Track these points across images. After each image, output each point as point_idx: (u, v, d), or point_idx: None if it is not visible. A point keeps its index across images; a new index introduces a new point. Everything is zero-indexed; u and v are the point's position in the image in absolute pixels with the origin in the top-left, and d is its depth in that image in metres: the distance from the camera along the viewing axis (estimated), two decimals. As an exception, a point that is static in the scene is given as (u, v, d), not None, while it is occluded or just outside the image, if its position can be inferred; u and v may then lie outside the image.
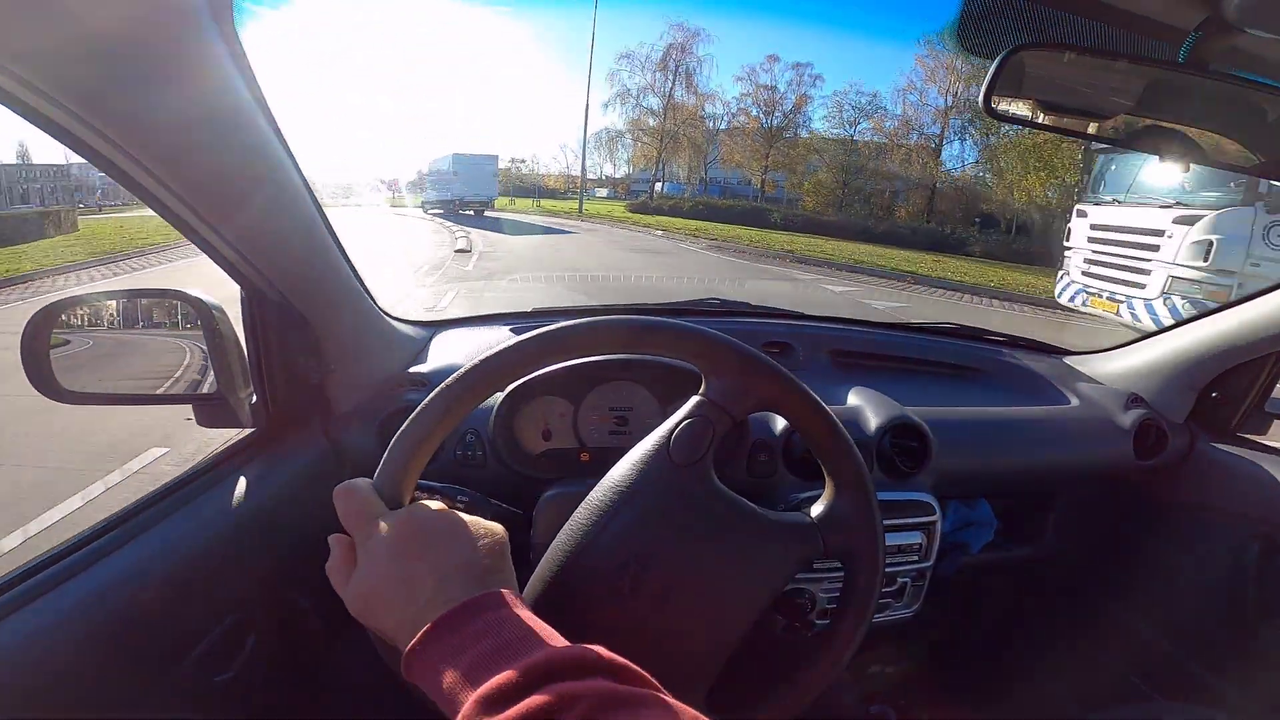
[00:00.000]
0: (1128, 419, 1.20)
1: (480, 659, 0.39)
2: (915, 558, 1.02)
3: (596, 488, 0.63)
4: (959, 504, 1.22)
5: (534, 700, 0.35)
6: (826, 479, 0.66)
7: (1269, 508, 1.12)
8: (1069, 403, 1.24)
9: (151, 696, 0.62)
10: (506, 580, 0.48)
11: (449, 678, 0.40)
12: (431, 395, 0.56)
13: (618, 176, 33.07)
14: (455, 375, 0.57)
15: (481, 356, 0.57)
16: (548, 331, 0.59)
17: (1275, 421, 1.23)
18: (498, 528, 0.50)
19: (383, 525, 0.48)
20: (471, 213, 21.93)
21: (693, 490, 0.61)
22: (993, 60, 0.58)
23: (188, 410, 0.85)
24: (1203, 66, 0.53)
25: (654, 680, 0.40)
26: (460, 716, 0.37)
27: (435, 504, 0.51)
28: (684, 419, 0.63)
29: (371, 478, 0.53)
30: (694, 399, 0.64)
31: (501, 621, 0.42)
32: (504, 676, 0.37)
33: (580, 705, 0.35)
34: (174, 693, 0.65)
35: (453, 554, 0.47)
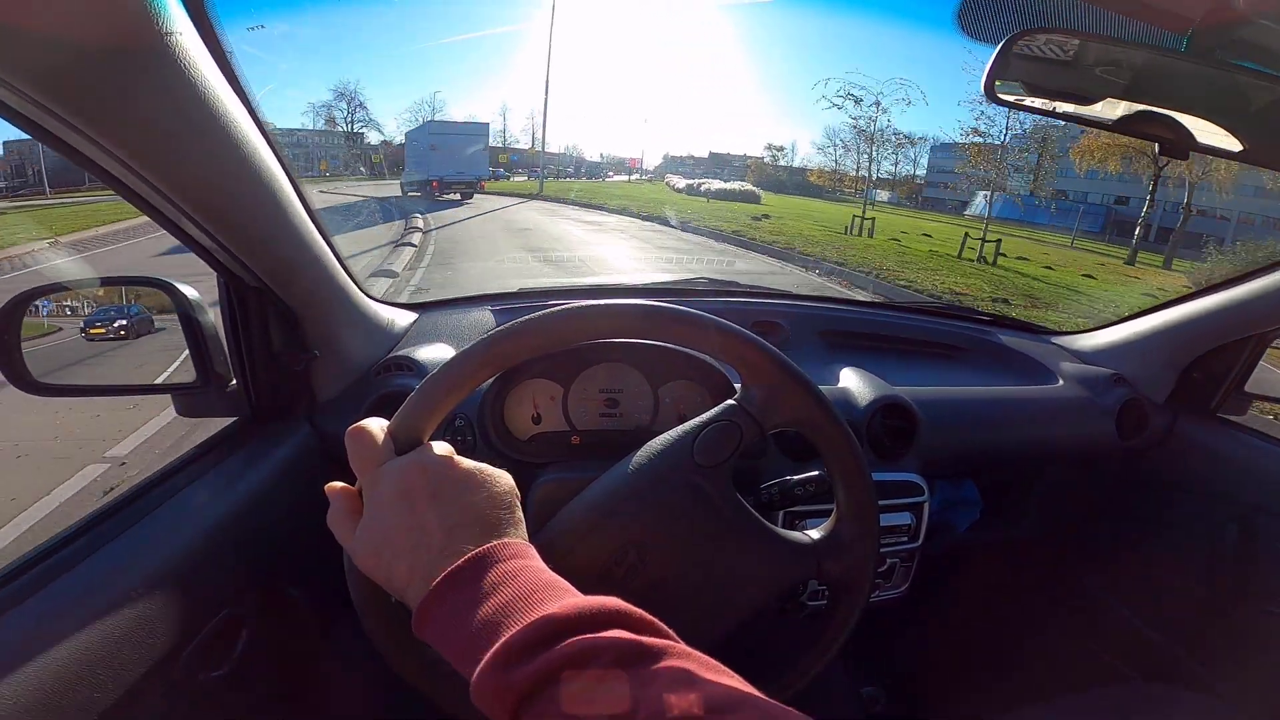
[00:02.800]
0: (1111, 399, 1.21)
1: (497, 611, 0.39)
2: (905, 538, 1.03)
3: (610, 472, 0.63)
4: (945, 484, 1.24)
5: (555, 654, 0.35)
6: (836, 506, 0.67)
7: (1245, 488, 1.15)
8: (1054, 382, 1.26)
9: (146, 697, 0.61)
10: (518, 531, 0.47)
11: (465, 631, 0.39)
12: (476, 342, 0.55)
13: (897, 174, 24.32)
14: (505, 328, 0.56)
15: (529, 318, 0.56)
16: (598, 306, 0.58)
17: (1254, 403, 1.25)
18: (506, 477, 0.49)
19: (390, 471, 0.46)
20: (458, 196, 17.79)
21: (708, 492, 0.62)
22: (994, 45, 0.57)
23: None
24: (1206, 54, 0.53)
25: (670, 630, 0.40)
26: (479, 671, 0.36)
27: (443, 449, 0.48)
28: (713, 420, 0.63)
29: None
30: (727, 402, 0.64)
31: (516, 572, 0.41)
32: (523, 630, 0.36)
33: (602, 657, 0.35)
34: (169, 693, 0.65)
35: (462, 503, 0.45)
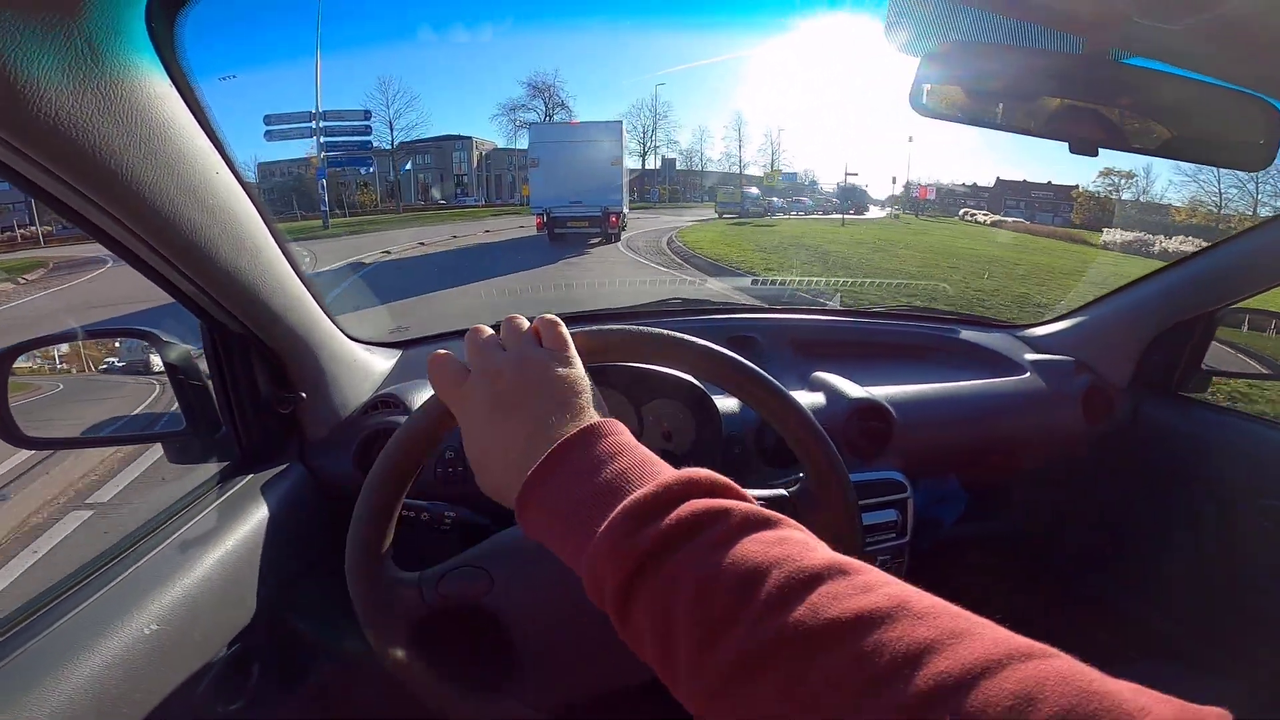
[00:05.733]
0: (1074, 386, 1.26)
1: (618, 475, 0.39)
2: (892, 535, 1.05)
3: None
4: (929, 480, 1.27)
5: (684, 510, 0.35)
6: (805, 465, 0.68)
7: (1210, 462, 1.19)
8: (1020, 374, 1.30)
9: None
10: (606, 415, 0.47)
11: (581, 496, 0.39)
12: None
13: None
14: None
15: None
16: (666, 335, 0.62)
17: (1213, 379, 1.30)
18: (578, 372, 0.50)
19: (466, 389, 0.50)
20: (606, 237, 10.93)
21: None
22: (917, 57, 0.62)
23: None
24: (1101, 55, 0.58)
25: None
26: (606, 525, 0.36)
27: (511, 354, 0.50)
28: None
29: (357, 495, 0.53)
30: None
31: (626, 446, 0.42)
32: (650, 489, 0.37)
33: (728, 519, 0.35)
34: None
35: (545, 399, 0.46)
